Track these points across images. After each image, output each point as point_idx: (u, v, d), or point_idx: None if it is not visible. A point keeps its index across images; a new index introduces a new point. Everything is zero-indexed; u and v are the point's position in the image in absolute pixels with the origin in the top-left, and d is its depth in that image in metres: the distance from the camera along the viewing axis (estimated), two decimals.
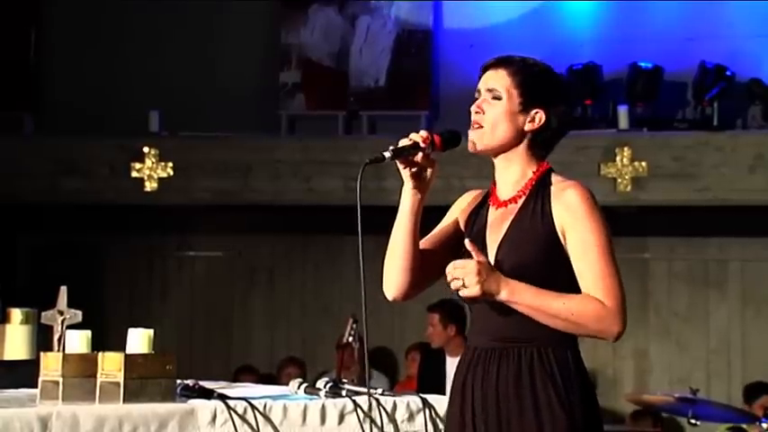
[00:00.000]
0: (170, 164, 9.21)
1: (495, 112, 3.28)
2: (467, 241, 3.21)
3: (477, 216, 3.37)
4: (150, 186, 9.21)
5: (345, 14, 9.82)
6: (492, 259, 3.24)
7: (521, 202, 3.28)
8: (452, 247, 3.37)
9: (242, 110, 9.72)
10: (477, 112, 3.30)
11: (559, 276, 3.20)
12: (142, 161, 9.24)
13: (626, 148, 8.69)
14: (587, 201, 3.22)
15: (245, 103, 9.76)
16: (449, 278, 3.16)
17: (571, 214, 3.20)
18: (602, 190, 8.17)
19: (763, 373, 8.78)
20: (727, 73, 8.93)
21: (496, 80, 3.30)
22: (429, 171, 3.27)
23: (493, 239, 3.28)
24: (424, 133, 3.26)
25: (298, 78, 9.79)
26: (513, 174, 3.31)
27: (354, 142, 9.09)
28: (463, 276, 3.13)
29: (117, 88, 9.85)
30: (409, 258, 3.31)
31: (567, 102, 3.40)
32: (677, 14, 9.31)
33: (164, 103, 9.53)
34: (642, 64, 9.07)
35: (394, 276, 3.34)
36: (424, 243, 3.38)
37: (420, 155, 3.24)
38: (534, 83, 3.30)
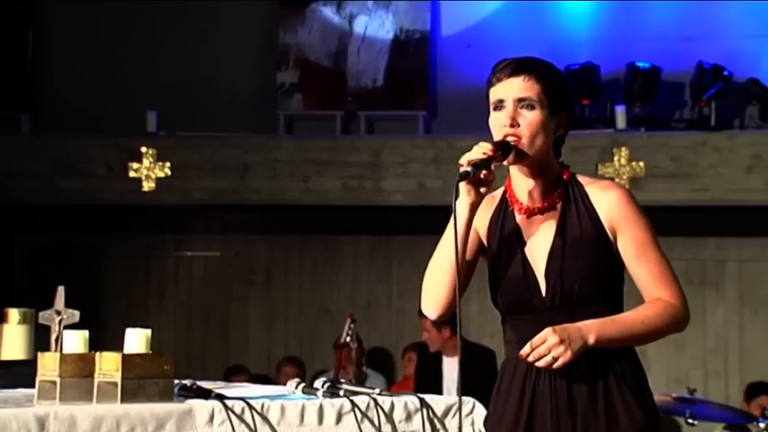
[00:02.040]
0: (167, 164, 9.21)
1: (530, 122, 3.14)
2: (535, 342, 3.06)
3: (503, 225, 3.26)
4: (148, 186, 9.21)
5: (343, 14, 9.82)
6: (542, 271, 3.17)
7: (559, 207, 3.21)
8: (476, 258, 3.30)
9: (240, 110, 9.72)
10: (511, 125, 3.14)
11: (614, 277, 3.20)
12: (140, 161, 9.24)
13: (623, 149, 8.69)
14: (632, 199, 3.22)
15: (243, 102, 9.77)
16: (533, 358, 3.03)
17: (620, 215, 3.18)
18: None
19: (760, 372, 8.78)
20: (725, 73, 8.94)
21: (527, 88, 3.15)
22: (489, 183, 3.14)
23: (537, 250, 3.20)
24: (489, 145, 3.09)
25: (295, 78, 9.79)
26: (543, 180, 3.21)
27: (352, 142, 9.08)
28: (548, 351, 3.03)
29: (114, 88, 9.85)
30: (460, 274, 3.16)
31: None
32: (674, 15, 9.32)
33: (161, 102, 9.53)
34: (639, 64, 9.07)
35: (443, 294, 3.19)
36: None
37: (492, 167, 3.11)
38: (557, 87, 3.21)
